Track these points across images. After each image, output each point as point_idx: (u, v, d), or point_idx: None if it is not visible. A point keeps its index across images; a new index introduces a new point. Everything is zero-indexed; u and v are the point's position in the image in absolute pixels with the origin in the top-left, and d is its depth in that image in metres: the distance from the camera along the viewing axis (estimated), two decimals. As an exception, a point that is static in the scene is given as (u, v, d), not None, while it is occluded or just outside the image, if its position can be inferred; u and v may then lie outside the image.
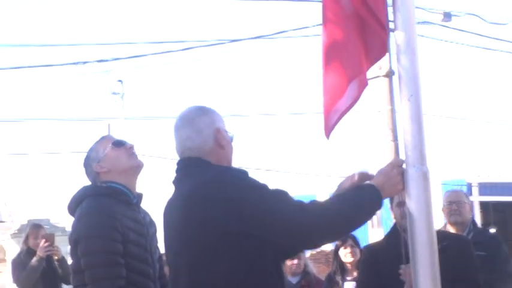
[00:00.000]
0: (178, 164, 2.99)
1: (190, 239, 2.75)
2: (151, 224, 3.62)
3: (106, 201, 3.43)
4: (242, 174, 2.87)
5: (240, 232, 2.68)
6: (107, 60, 18.61)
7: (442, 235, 4.15)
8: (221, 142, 2.96)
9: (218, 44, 18.05)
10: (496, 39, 20.28)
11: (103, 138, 3.67)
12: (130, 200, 3.48)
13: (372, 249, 4.32)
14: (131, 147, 3.57)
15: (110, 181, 3.51)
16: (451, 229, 5.23)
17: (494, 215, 33.72)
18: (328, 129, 3.12)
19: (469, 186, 26.56)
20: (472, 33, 19.51)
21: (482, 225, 28.87)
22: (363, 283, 4.17)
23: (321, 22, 3.21)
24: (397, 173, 2.90)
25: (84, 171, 3.63)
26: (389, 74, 3.05)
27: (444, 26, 19.13)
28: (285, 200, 2.77)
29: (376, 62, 3.14)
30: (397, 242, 3.06)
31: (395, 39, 3.02)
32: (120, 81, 22.26)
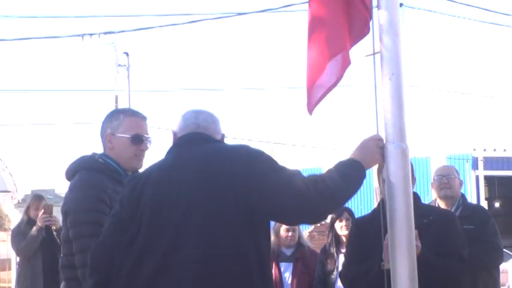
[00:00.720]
0: (186, 136, 3.16)
1: (207, 204, 2.86)
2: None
3: (97, 176, 3.57)
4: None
5: (254, 205, 2.84)
6: (113, 32, 18.66)
7: (428, 209, 4.26)
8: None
9: (224, 17, 18.08)
10: (503, 14, 20.22)
11: (136, 116, 3.75)
12: (121, 179, 3.57)
13: (359, 222, 4.44)
14: (143, 151, 3.71)
15: (110, 157, 3.66)
16: (441, 203, 5.31)
17: (499, 189, 33.81)
18: (311, 105, 3.21)
19: (475, 160, 26.61)
20: (478, 7, 19.48)
21: (486, 199, 29.05)
22: (349, 255, 4.29)
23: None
24: (374, 144, 3.04)
25: (101, 127, 3.75)
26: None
27: (451, 0, 19.09)
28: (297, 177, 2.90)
29: (358, 41, 3.22)
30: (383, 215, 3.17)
31: (378, 19, 3.10)
32: (126, 53, 22.34)
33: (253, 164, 2.90)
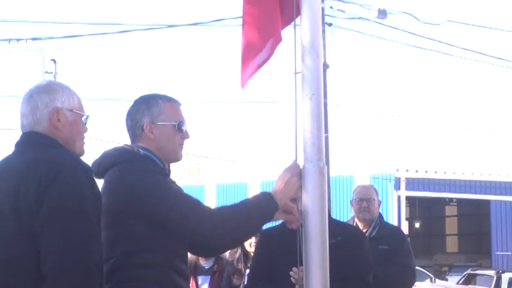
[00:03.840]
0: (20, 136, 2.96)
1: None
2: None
3: (143, 166, 3.15)
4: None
5: None
6: (41, 39, 18.41)
7: (337, 228, 4.23)
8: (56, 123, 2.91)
9: (154, 28, 18.04)
10: (429, 38, 20.72)
11: (175, 102, 3.32)
12: (164, 173, 3.22)
13: (266, 233, 4.44)
14: (185, 139, 3.31)
15: (148, 150, 3.21)
16: (359, 223, 5.40)
17: (420, 209, 34.53)
18: (244, 80, 3.33)
19: (397, 180, 27.11)
20: (405, 31, 19.93)
21: (407, 219, 29.59)
22: (254, 267, 4.31)
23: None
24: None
25: (128, 116, 3.28)
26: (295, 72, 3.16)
27: (379, 23, 19.49)
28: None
29: (287, 25, 3.34)
30: (291, 231, 3.23)
31: (301, 39, 3.15)
32: (53, 60, 22.04)
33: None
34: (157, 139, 3.21)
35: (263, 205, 3.10)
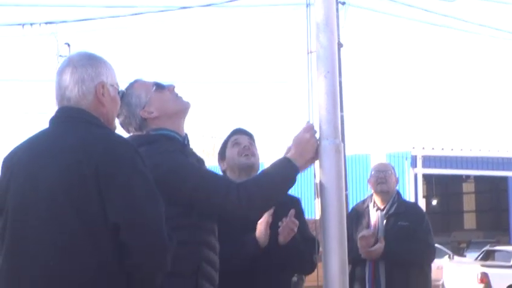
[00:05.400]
0: (58, 111, 2.78)
1: None
2: (201, 161, 3.34)
3: (163, 146, 3.16)
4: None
5: None
6: (54, 22, 18.48)
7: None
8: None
9: (167, 10, 18.04)
10: (444, 15, 20.61)
11: (136, 81, 3.31)
12: (182, 144, 3.25)
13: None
14: (173, 88, 3.30)
15: (159, 128, 3.22)
16: (377, 199, 5.40)
17: (437, 187, 34.45)
18: None
19: (414, 158, 27.03)
20: (420, 8, 19.84)
21: (424, 197, 29.53)
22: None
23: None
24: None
25: (122, 120, 3.27)
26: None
27: (393, 0, 19.39)
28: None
29: None
30: None
31: (315, 17, 3.15)
32: (67, 44, 22.09)
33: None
34: (159, 113, 3.21)
35: (284, 171, 3.09)
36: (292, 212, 3.74)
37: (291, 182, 3.11)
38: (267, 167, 3.17)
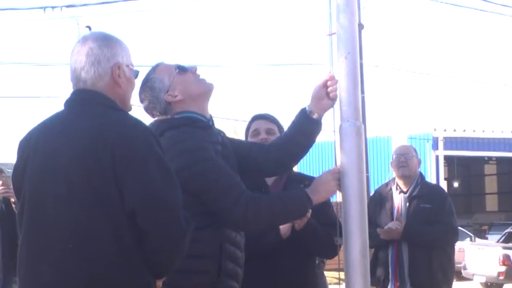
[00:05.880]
0: (73, 94, 2.74)
1: None
2: (225, 145, 3.30)
3: (189, 130, 3.16)
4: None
5: None
6: (75, 6, 18.48)
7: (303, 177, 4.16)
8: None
9: (188, -8, 17.97)
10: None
11: (158, 65, 3.26)
12: (208, 126, 3.24)
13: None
14: (196, 70, 3.27)
15: (183, 111, 3.20)
16: (399, 182, 5.39)
17: (458, 169, 34.25)
18: None
19: (435, 140, 26.87)
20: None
21: (446, 179, 29.40)
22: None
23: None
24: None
25: (146, 105, 3.25)
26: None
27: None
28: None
29: None
30: None
31: (336, -1, 3.13)
32: (88, 27, 22.09)
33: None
34: (183, 95, 3.19)
35: (299, 205, 3.13)
36: None
37: (301, 215, 3.28)
38: (285, 192, 3.32)
